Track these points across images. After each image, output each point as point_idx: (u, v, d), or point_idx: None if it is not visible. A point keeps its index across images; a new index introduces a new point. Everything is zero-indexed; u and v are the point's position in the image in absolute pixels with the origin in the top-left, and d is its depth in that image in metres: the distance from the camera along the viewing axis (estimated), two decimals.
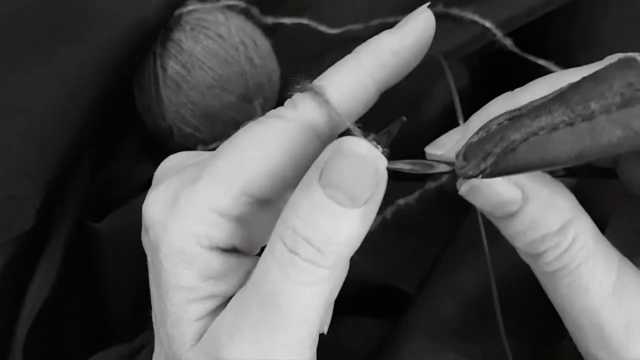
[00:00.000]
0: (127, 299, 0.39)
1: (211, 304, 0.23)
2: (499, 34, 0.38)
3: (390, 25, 0.43)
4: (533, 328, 0.33)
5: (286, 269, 0.21)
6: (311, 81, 0.24)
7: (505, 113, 0.22)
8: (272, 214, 0.24)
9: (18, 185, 0.36)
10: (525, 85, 0.24)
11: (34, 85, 0.36)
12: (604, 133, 0.21)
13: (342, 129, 0.24)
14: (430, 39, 0.25)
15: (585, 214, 0.23)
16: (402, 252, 0.38)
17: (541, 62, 0.39)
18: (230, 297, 0.23)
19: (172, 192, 0.23)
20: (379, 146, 0.22)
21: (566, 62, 0.38)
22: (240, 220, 0.23)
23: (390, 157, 0.23)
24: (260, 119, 0.24)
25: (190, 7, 0.40)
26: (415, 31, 0.25)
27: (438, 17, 0.39)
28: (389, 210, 0.35)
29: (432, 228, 0.38)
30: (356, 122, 0.24)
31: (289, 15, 0.42)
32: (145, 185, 0.40)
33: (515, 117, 0.22)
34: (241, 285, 0.23)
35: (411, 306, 0.35)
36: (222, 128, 0.40)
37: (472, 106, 0.34)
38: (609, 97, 0.21)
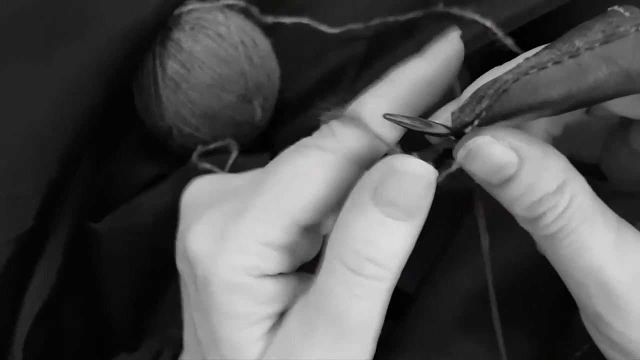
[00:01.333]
0: (126, 299, 0.39)
1: (269, 323, 0.24)
2: (499, 33, 0.38)
3: (390, 25, 0.43)
4: (534, 328, 0.33)
5: (351, 289, 0.22)
6: (345, 108, 0.25)
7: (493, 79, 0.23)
8: (313, 237, 0.25)
9: (18, 185, 0.36)
10: (514, 59, 0.25)
11: (34, 85, 0.36)
12: (590, 69, 0.21)
13: (382, 153, 0.25)
14: (460, 63, 0.26)
15: (579, 174, 0.24)
16: None
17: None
18: (283, 313, 0.24)
19: (217, 226, 0.24)
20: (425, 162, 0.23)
21: None
22: (287, 248, 0.24)
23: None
24: (300, 148, 0.24)
25: (189, 7, 0.40)
26: (448, 59, 0.26)
27: (438, 16, 0.39)
28: None
29: (432, 228, 0.38)
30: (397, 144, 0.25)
31: (289, 14, 0.42)
32: (145, 185, 0.40)
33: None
34: (291, 300, 0.24)
35: (412, 306, 0.35)
36: (221, 128, 0.40)
37: None
38: (591, 35, 0.21)
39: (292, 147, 0.25)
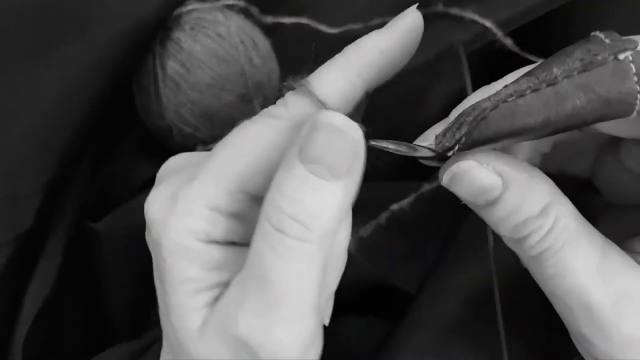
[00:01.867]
0: (126, 298, 0.39)
1: (217, 292, 0.24)
2: (499, 33, 0.38)
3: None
4: (534, 331, 0.33)
5: (276, 249, 0.22)
6: (301, 80, 0.25)
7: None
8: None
9: (18, 185, 0.36)
10: (503, 78, 0.25)
11: (34, 85, 0.36)
12: (568, 97, 0.22)
13: None
14: (418, 39, 0.26)
15: (565, 197, 0.24)
16: (402, 252, 0.38)
17: (540, 60, 0.39)
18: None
19: (171, 191, 0.24)
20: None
21: None
22: (237, 217, 0.24)
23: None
24: (254, 118, 0.25)
25: (190, 7, 0.40)
26: (402, 31, 0.25)
27: (439, 17, 0.39)
28: (383, 217, 0.35)
29: (433, 228, 0.38)
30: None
31: (289, 15, 0.42)
32: (145, 185, 0.40)
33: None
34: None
35: (412, 306, 0.35)
36: (221, 128, 0.40)
37: None
38: (569, 63, 0.22)
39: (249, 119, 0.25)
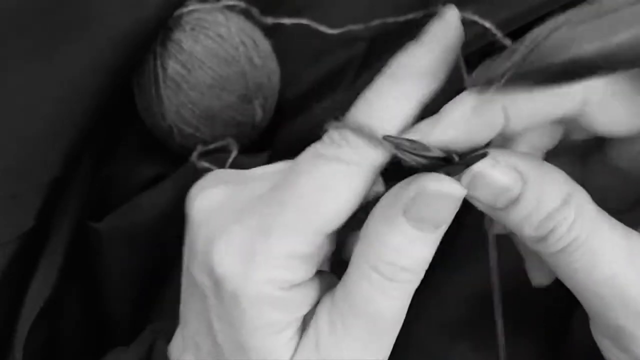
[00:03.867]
0: (127, 298, 0.39)
1: (297, 325, 0.25)
2: (498, 34, 0.38)
3: (390, 26, 0.43)
4: (534, 332, 0.33)
5: (388, 293, 0.24)
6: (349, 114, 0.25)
7: None
8: (332, 239, 0.25)
9: (18, 185, 0.36)
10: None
11: (34, 85, 0.36)
12: (633, 23, 0.20)
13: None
14: (461, 41, 0.26)
15: (579, 186, 0.24)
16: None
17: None
18: (310, 312, 0.25)
19: (244, 245, 0.24)
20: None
21: None
22: (314, 256, 0.25)
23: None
24: (319, 160, 0.24)
25: (190, 7, 0.40)
26: (446, 42, 0.25)
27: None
28: None
29: None
30: None
31: (289, 15, 0.42)
32: (145, 185, 0.40)
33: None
34: (318, 298, 0.25)
35: (411, 307, 0.35)
36: (222, 128, 0.40)
37: None
38: None
39: (308, 156, 0.24)
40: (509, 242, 0.33)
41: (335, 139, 0.24)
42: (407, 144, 0.23)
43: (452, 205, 0.23)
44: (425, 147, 0.23)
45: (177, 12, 0.40)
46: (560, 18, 0.21)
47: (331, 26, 0.42)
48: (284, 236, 0.23)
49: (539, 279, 0.29)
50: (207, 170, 0.38)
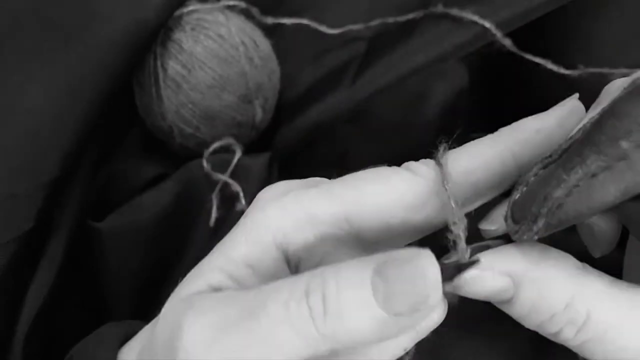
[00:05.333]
0: (127, 298, 0.39)
1: (230, 285, 0.23)
2: (498, 34, 0.38)
3: (390, 26, 0.43)
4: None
5: (289, 302, 0.20)
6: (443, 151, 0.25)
7: (537, 163, 0.22)
8: (346, 254, 0.24)
9: (18, 184, 0.36)
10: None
11: (34, 85, 0.36)
12: None
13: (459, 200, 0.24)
14: (576, 121, 0.25)
15: (590, 274, 0.22)
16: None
17: (539, 60, 0.39)
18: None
19: (288, 187, 0.25)
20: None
21: (565, 62, 0.39)
22: (322, 241, 0.24)
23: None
24: (394, 167, 0.25)
25: (190, 8, 0.40)
26: (560, 114, 0.25)
27: (438, 17, 0.39)
28: None
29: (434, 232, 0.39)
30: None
31: (289, 15, 0.42)
32: (146, 184, 0.40)
33: (548, 164, 0.22)
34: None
35: None
36: (222, 128, 0.40)
37: (472, 106, 0.34)
38: (636, 134, 0.20)
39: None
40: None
41: (421, 161, 0.25)
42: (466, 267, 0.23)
43: (424, 304, 0.20)
44: (484, 247, 0.24)
45: (178, 12, 0.40)
46: (571, 177, 0.21)
47: (331, 26, 0.42)
48: (317, 194, 0.24)
49: (597, 251, 0.27)
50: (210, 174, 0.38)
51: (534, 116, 0.25)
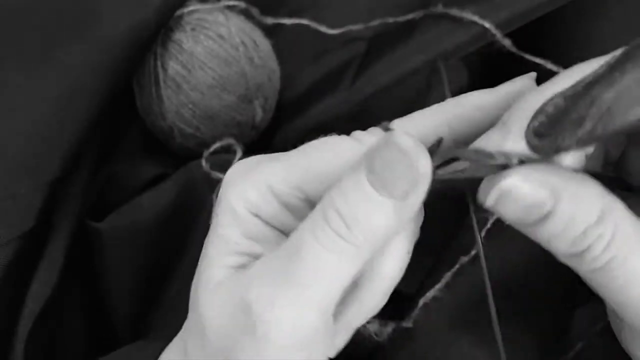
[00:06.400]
0: (127, 298, 0.39)
1: (245, 260, 0.25)
2: (498, 34, 0.38)
3: (389, 26, 0.43)
4: (533, 328, 0.34)
5: (315, 232, 0.23)
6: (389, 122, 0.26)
7: (557, 95, 0.22)
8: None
9: (18, 184, 0.36)
10: (553, 79, 0.24)
11: (34, 85, 0.36)
12: None
13: None
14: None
15: (617, 198, 0.23)
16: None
17: (539, 60, 0.39)
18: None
19: (251, 163, 0.26)
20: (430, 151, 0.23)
21: (565, 62, 0.39)
22: (288, 209, 0.25)
23: None
24: (342, 135, 0.26)
25: (190, 8, 0.40)
26: (508, 91, 0.26)
27: (438, 17, 0.39)
28: None
29: (434, 228, 0.39)
30: None
31: (289, 15, 0.42)
32: (146, 184, 0.40)
33: (570, 95, 0.22)
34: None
35: (411, 307, 0.35)
36: (222, 128, 0.40)
37: None
38: None
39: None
40: (505, 241, 0.33)
41: (367, 131, 0.26)
42: (464, 176, 0.23)
43: (409, 171, 0.22)
44: (490, 155, 0.23)
45: (178, 13, 0.40)
46: (624, 81, 0.20)
47: (331, 26, 0.42)
48: (275, 167, 0.25)
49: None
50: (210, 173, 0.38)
51: (478, 91, 0.26)
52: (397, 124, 0.26)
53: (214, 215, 0.26)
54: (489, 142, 0.24)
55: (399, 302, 0.38)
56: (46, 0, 0.36)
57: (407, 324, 0.32)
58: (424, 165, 0.22)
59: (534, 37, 0.39)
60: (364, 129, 0.26)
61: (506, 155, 0.23)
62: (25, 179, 0.36)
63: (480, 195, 0.24)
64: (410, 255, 0.26)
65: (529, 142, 0.22)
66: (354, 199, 0.22)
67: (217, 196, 0.26)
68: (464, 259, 0.33)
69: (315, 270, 0.23)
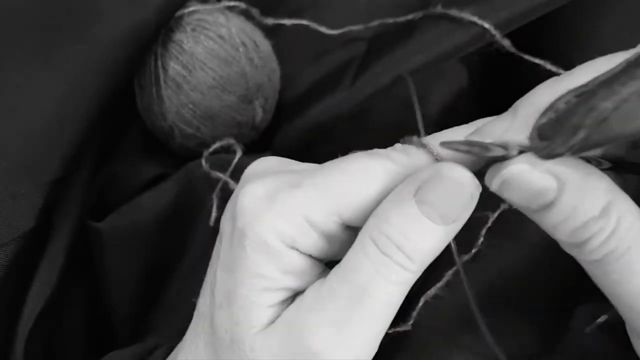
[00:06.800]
0: (128, 297, 0.39)
1: (284, 295, 0.25)
2: (497, 34, 0.38)
3: (389, 27, 0.43)
4: (532, 326, 0.34)
5: (378, 267, 0.23)
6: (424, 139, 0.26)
7: (570, 91, 0.22)
8: (347, 237, 0.25)
9: (19, 184, 0.36)
10: (571, 71, 0.24)
11: (35, 85, 0.36)
12: None
13: None
14: None
15: (624, 193, 0.23)
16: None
17: (538, 61, 0.39)
18: (299, 292, 0.25)
19: (270, 189, 0.25)
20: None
21: (565, 62, 0.39)
22: (324, 237, 0.25)
23: None
24: (371, 152, 0.25)
25: (191, 8, 0.40)
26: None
27: (437, 18, 0.39)
28: None
29: None
30: None
31: (289, 16, 0.42)
32: (146, 184, 0.40)
33: (584, 93, 0.21)
34: (309, 284, 0.25)
35: (412, 306, 0.35)
36: (222, 128, 0.40)
37: (471, 105, 0.34)
38: None
39: (363, 152, 0.26)
40: (504, 239, 0.33)
41: (397, 147, 0.26)
42: (465, 148, 0.24)
43: (464, 199, 0.23)
44: (486, 148, 0.24)
45: (178, 13, 0.40)
46: (623, 91, 0.20)
47: (331, 26, 0.42)
48: (308, 195, 0.24)
49: None
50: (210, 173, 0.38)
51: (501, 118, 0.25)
52: (430, 140, 0.25)
53: (235, 250, 0.25)
54: (496, 128, 0.24)
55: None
56: (46, 0, 0.36)
57: (407, 325, 0.32)
58: (477, 190, 0.24)
59: (534, 37, 0.39)
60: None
61: (505, 145, 0.23)
62: (25, 179, 0.36)
63: (487, 179, 0.24)
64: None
65: (531, 141, 0.23)
66: (411, 232, 0.23)
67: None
68: (464, 257, 0.33)
69: (383, 308, 0.23)
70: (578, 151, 0.22)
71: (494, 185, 0.24)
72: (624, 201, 0.23)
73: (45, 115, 0.36)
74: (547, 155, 0.22)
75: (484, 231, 0.33)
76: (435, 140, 0.25)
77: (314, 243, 0.25)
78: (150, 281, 0.39)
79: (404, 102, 0.42)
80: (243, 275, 0.24)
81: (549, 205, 0.23)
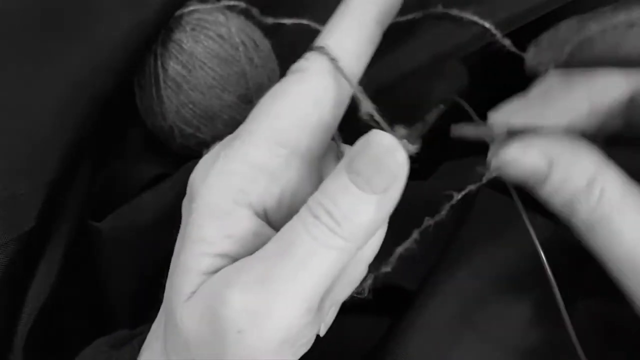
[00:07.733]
0: (127, 298, 0.39)
1: (221, 262, 0.25)
2: (498, 34, 0.38)
3: (390, 26, 0.43)
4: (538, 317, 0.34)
5: (308, 227, 0.24)
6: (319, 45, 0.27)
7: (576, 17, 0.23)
8: (302, 170, 0.26)
9: (18, 185, 0.36)
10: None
11: (34, 85, 0.36)
12: None
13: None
14: None
15: (611, 166, 0.25)
16: (406, 251, 0.38)
17: None
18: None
19: (214, 153, 0.26)
20: (405, 139, 0.24)
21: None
22: (275, 175, 0.25)
23: None
24: (282, 79, 0.27)
25: (190, 8, 0.40)
26: None
27: (438, 18, 0.39)
28: (416, 232, 0.35)
29: (437, 226, 0.39)
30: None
31: (289, 15, 0.42)
32: (146, 184, 0.40)
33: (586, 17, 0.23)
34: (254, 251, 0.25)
35: (412, 304, 0.35)
36: (222, 128, 0.40)
37: (472, 105, 0.34)
38: None
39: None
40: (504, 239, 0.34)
41: (301, 60, 0.27)
42: (472, 133, 0.26)
43: (390, 168, 0.24)
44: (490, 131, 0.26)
45: (178, 13, 0.40)
46: (614, 18, 0.22)
47: None
48: (244, 141, 0.25)
49: None
50: None
51: None
52: (326, 42, 0.27)
53: (186, 218, 0.25)
54: (511, 105, 0.26)
55: (400, 297, 0.38)
56: (46, 0, 0.36)
57: (387, 268, 0.32)
58: (403, 159, 0.24)
59: (534, 37, 0.39)
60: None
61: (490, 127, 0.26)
62: (25, 179, 0.36)
63: (487, 160, 0.26)
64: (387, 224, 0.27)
65: (529, 51, 0.25)
66: (341, 199, 0.24)
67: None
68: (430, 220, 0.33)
69: (308, 266, 0.23)
70: (563, 66, 0.23)
71: (493, 169, 0.26)
72: (609, 173, 0.25)
73: (45, 115, 0.36)
74: (535, 63, 0.24)
75: (447, 206, 0.33)
76: (326, 40, 0.27)
77: (265, 188, 0.25)
78: (150, 281, 0.39)
79: (404, 102, 0.42)
80: (186, 241, 0.25)
81: (542, 181, 0.25)
